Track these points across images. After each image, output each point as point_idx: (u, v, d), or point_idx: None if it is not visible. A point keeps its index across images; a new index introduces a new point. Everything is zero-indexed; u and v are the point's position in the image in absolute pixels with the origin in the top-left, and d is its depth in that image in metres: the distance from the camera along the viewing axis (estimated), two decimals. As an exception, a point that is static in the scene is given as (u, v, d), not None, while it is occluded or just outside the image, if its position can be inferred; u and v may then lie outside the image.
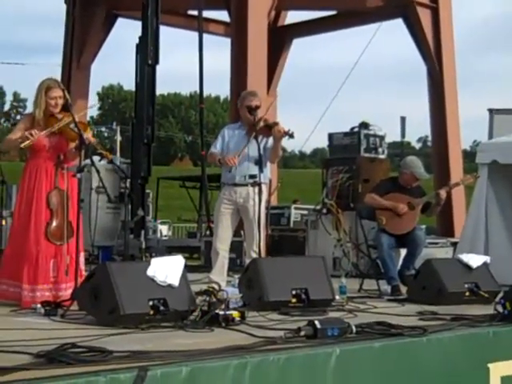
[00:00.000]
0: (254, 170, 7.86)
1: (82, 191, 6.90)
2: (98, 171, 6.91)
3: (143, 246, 10.83)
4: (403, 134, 20.33)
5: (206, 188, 14.98)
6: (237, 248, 10.50)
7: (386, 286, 8.44)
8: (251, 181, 7.90)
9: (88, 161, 6.96)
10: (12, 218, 7.39)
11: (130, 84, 60.81)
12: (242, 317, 5.54)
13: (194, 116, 72.04)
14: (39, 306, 6.16)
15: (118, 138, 20.48)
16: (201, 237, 14.90)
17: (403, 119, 20.09)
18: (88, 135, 6.79)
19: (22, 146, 6.79)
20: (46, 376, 3.56)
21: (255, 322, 5.57)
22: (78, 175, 6.57)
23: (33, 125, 6.88)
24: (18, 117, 71.25)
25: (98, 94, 78.96)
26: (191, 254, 14.76)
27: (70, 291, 6.45)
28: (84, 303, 5.72)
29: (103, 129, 76.61)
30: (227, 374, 4.02)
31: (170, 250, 13.88)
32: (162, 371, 3.79)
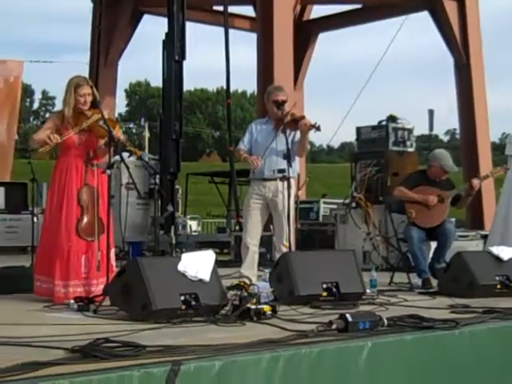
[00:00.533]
0: (283, 164, 7.85)
1: (112, 187, 6.94)
2: (127, 167, 6.95)
3: (173, 241, 10.85)
4: (431, 127, 20.27)
5: (234, 183, 15.00)
6: (266, 242, 10.51)
7: (416, 279, 8.42)
8: (280, 175, 7.91)
9: (117, 157, 6.99)
10: (43, 215, 7.44)
11: (157, 80, 61.02)
12: (274, 311, 5.55)
13: (222, 111, 72.06)
14: (72, 301, 6.22)
15: (147, 134, 20.58)
16: (230, 232, 14.93)
17: (431, 112, 20.02)
18: (117, 132, 6.83)
19: (40, 150, 6.84)
20: (81, 370, 3.59)
21: (287, 315, 5.59)
22: (108, 171, 6.60)
23: (63, 122, 6.93)
24: (47, 115, 71.65)
25: (126, 90, 79.26)
26: (221, 249, 14.79)
27: (101, 287, 6.50)
28: (116, 299, 5.76)
29: (131, 125, 76.88)
30: (260, 368, 4.04)
31: (199, 245, 13.93)
32: (195, 365, 3.82)
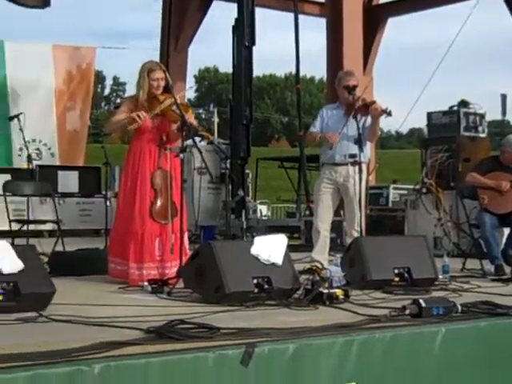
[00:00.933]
0: (354, 149, 7.83)
1: (184, 172, 6.99)
2: (200, 152, 6.97)
3: (244, 225, 10.90)
4: (504, 112, 19.89)
5: (304, 168, 14.98)
6: (337, 228, 10.48)
7: (489, 266, 8.31)
8: (351, 160, 7.89)
9: (190, 141, 7.05)
10: (116, 199, 7.53)
11: (225, 66, 61.13)
12: (346, 295, 5.54)
13: (290, 97, 71.89)
14: (146, 283, 6.30)
15: (216, 119, 20.66)
16: (300, 216, 14.94)
17: (504, 97, 19.62)
18: (190, 117, 6.88)
19: (129, 128, 6.93)
20: (156, 351, 3.64)
21: (359, 300, 5.59)
22: (181, 155, 6.66)
23: (136, 107, 7.01)
24: (118, 100, 72.30)
25: (195, 76, 79.65)
26: (291, 233, 14.80)
27: (175, 269, 6.56)
28: (189, 281, 5.81)
29: (200, 111, 77.23)
30: (333, 352, 4.05)
31: (269, 229, 13.95)
32: (269, 348, 3.84)
